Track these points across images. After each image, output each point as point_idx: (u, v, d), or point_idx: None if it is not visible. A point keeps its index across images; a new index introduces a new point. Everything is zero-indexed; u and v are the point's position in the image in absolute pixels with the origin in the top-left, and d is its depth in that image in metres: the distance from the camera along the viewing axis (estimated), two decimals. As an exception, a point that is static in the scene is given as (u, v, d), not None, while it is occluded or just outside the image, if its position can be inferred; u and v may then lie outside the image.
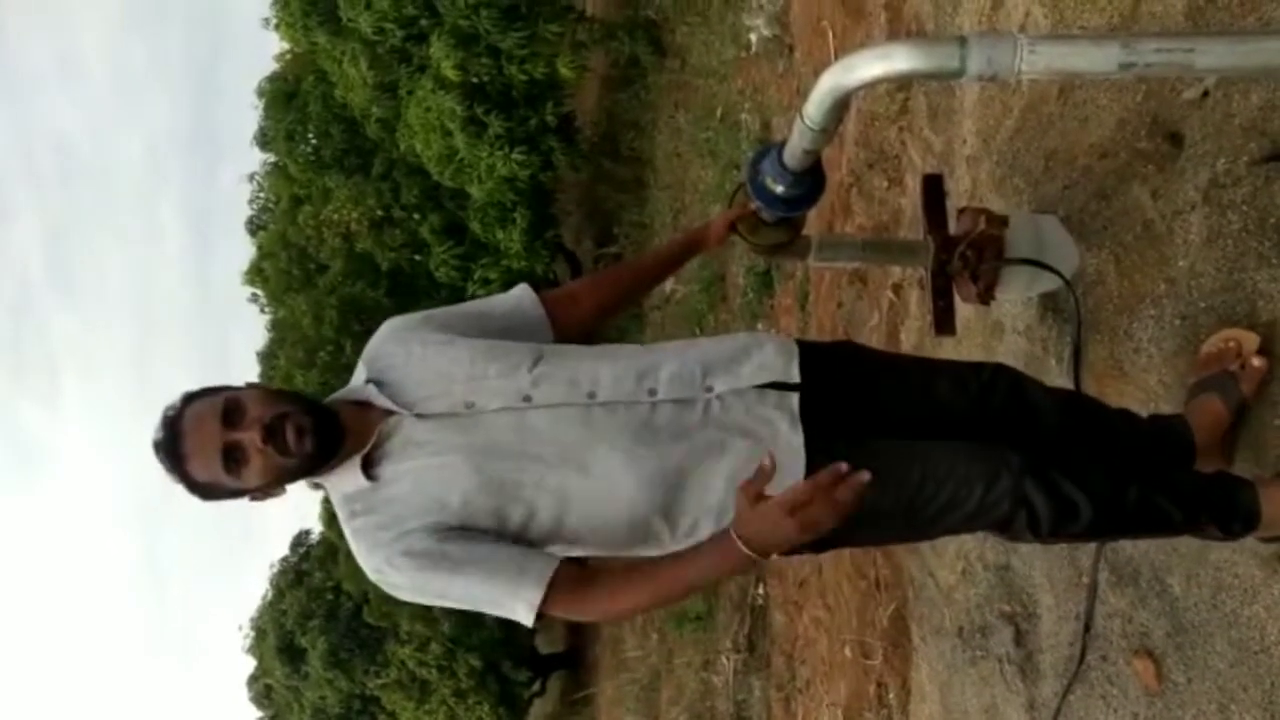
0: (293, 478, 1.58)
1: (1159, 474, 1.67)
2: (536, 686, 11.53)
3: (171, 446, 1.52)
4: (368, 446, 1.55)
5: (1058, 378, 2.28)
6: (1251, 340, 1.78)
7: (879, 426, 1.66)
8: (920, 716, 3.14)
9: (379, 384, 1.60)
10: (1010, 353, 2.56)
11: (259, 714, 12.96)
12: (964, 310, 2.43)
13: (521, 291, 1.76)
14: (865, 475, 1.31)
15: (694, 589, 1.52)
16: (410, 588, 1.57)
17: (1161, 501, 1.60)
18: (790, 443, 1.55)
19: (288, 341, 9.38)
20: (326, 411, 1.57)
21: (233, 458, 1.51)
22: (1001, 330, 2.61)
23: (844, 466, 1.32)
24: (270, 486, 1.58)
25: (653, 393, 1.57)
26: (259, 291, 10.75)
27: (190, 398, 1.56)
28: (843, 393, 1.66)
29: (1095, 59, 1.26)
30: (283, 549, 12.09)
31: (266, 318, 10.68)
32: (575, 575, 1.54)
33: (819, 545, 1.59)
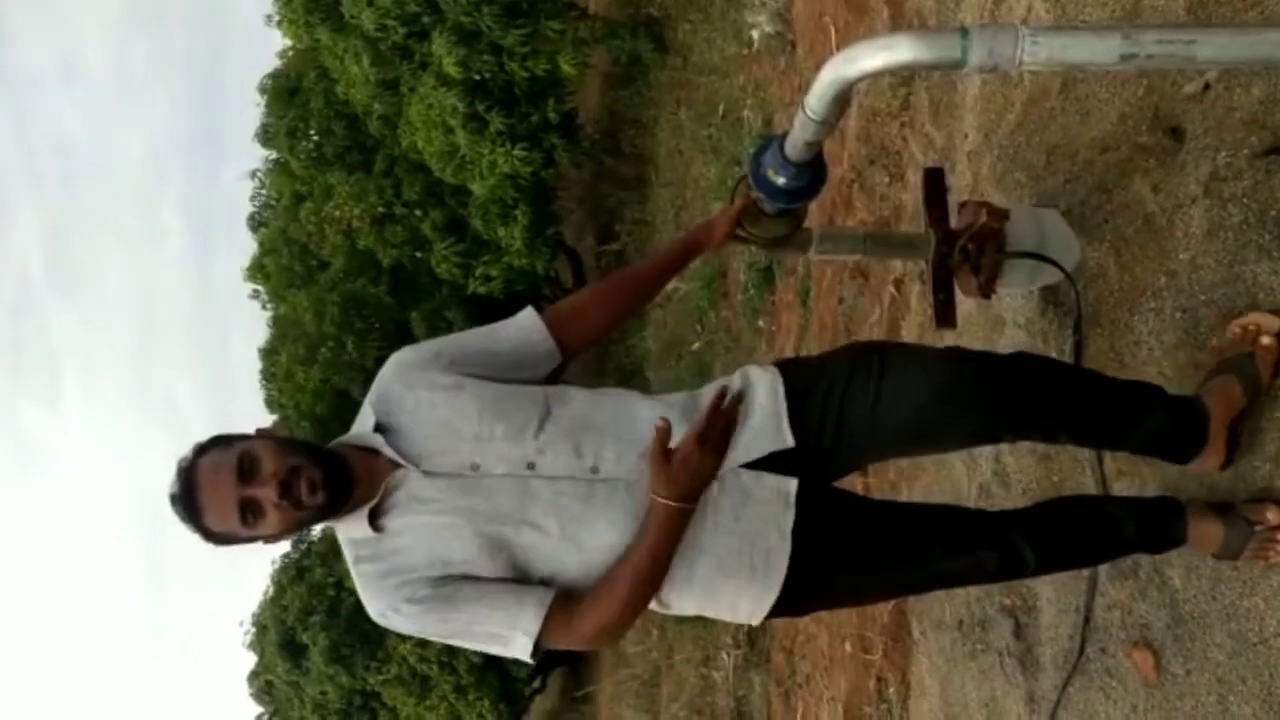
0: (305, 526, 1.63)
1: (1097, 515, 1.82)
2: (537, 683, 11.53)
3: (188, 500, 1.56)
4: (375, 499, 1.59)
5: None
6: (1273, 323, 1.76)
7: (869, 439, 1.68)
8: (920, 711, 3.15)
9: (386, 431, 1.63)
10: (1011, 346, 2.56)
11: (260, 710, 12.98)
12: (965, 304, 2.43)
13: (529, 323, 1.74)
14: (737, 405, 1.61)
15: (654, 570, 1.56)
16: (414, 630, 1.65)
17: (1097, 544, 1.80)
18: (781, 528, 1.61)
19: (289, 338, 9.38)
20: (336, 461, 1.60)
21: (249, 511, 1.54)
22: (1002, 324, 2.62)
23: (728, 401, 1.60)
24: (284, 535, 1.62)
25: None
26: (260, 288, 10.75)
27: (202, 450, 1.58)
28: (835, 414, 1.66)
29: (1097, 50, 1.27)
30: (284, 545, 12.12)
31: (268, 314, 10.68)
32: (567, 605, 1.59)
33: (808, 607, 1.83)
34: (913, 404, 1.62)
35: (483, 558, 1.58)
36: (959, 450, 2.30)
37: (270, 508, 1.54)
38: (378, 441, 1.61)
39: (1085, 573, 2.18)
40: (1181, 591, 1.94)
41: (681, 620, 6.32)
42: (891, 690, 3.40)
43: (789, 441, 1.63)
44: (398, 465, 1.60)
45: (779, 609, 1.66)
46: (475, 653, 9.77)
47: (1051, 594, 2.38)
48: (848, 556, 1.67)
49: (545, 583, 1.61)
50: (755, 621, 1.69)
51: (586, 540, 1.58)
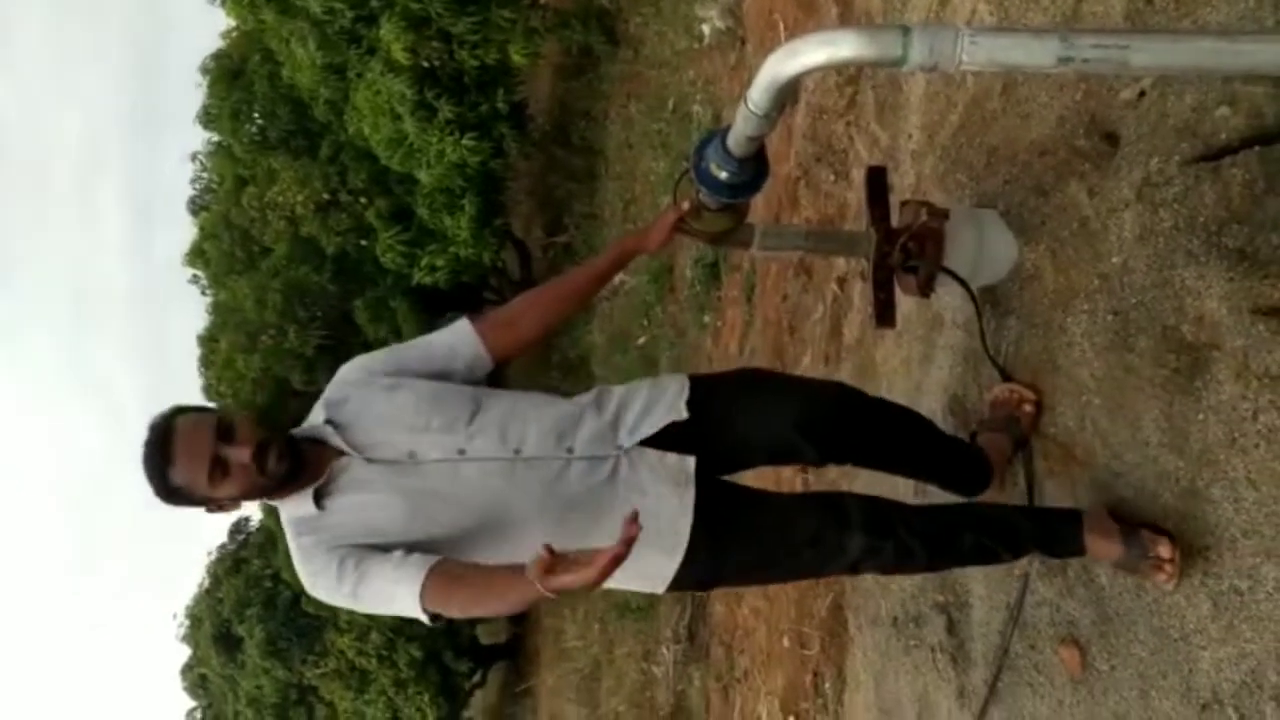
0: (257, 495, 1.79)
1: (992, 518, 1.98)
2: (477, 677, 11.47)
3: (161, 447, 1.70)
4: (321, 480, 1.77)
5: (993, 370, 2.32)
6: (1030, 394, 2.20)
7: (744, 449, 1.94)
8: (855, 705, 3.18)
9: (335, 426, 1.81)
10: (949, 345, 2.59)
11: (193, 704, 12.75)
12: (905, 303, 2.45)
13: (464, 332, 1.91)
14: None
15: (500, 608, 1.68)
16: (335, 593, 1.77)
17: (990, 543, 1.92)
18: (683, 501, 1.81)
19: (229, 325, 9.19)
20: (295, 443, 1.78)
21: (219, 469, 1.69)
22: (941, 323, 2.64)
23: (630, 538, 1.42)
24: (237, 500, 1.78)
25: (570, 450, 1.80)
26: (200, 273, 10.54)
27: (181, 410, 1.76)
28: (728, 422, 1.90)
29: (1035, 52, 1.28)
30: (220, 536, 11.90)
31: (207, 300, 10.47)
32: (448, 573, 1.69)
33: (711, 582, 1.96)
34: (773, 431, 1.90)
35: (411, 530, 1.75)
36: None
37: (237, 470, 1.70)
38: (327, 432, 1.80)
39: (1018, 571, 2.22)
40: (1108, 589, 1.98)
41: (623, 615, 6.34)
42: (828, 685, 3.43)
43: (684, 412, 1.85)
44: (343, 453, 1.79)
45: (685, 580, 1.85)
46: (415, 647, 9.71)
47: (983, 591, 2.41)
48: (741, 535, 1.86)
49: (468, 553, 1.76)
50: (661, 589, 1.87)
51: (507, 512, 1.76)
